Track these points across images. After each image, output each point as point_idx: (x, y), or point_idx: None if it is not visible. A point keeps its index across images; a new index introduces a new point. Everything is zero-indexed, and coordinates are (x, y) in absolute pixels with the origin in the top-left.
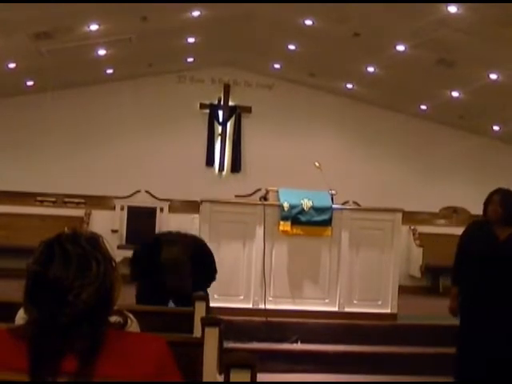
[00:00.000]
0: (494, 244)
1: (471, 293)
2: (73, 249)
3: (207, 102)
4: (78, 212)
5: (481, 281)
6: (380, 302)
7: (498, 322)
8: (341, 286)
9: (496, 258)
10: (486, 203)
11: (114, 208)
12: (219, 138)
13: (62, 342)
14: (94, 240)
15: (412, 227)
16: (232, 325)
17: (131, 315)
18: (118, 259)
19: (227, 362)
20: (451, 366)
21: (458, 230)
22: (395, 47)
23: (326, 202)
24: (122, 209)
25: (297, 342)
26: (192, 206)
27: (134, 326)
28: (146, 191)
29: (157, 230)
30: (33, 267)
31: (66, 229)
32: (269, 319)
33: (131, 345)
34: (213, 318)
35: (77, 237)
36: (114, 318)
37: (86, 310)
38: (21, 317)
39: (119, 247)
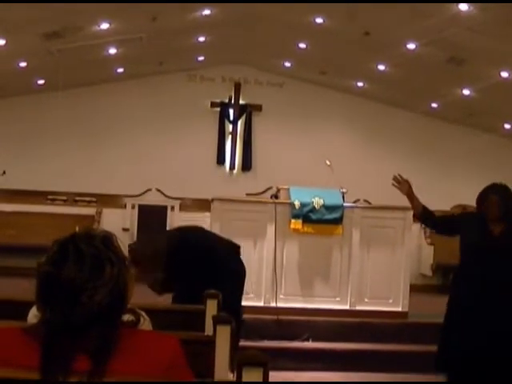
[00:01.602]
0: (488, 237)
1: (465, 285)
2: (87, 249)
3: (218, 100)
4: (89, 210)
5: (475, 273)
6: (391, 301)
7: (492, 313)
8: (352, 285)
9: (490, 252)
10: (482, 200)
11: (125, 206)
12: (230, 136)
13: (74, 343)
14: (108, 239)
15: (423, 225)
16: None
17: (144, 313)
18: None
19: (240, 360)
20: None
21: None
22: (406, 45)
23: (337, 201)
24: (133, 207)
25: (308, 340)
26: (203, 205)
27: (146, 324)
28: (157, 190)
29: (168, 229)
30: (45, 267)
31: (77, 228)
32: (280, 317)
33: (144, 343)
34: (224, 316)
35: (91, 236)
36: (126, 317)
37: (99, 311)
38: (34, 314)
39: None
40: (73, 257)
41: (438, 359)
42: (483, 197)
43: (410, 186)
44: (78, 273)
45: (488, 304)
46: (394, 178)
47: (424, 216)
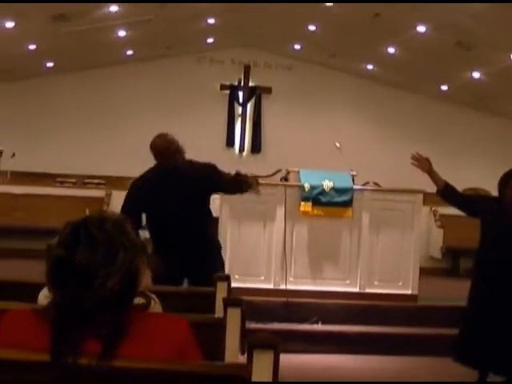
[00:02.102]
0: (509, 223)
1: (485, 271)
2: (99, 234)
3: (227, 82)
4: (99, 193)
5: (495, 260)
6: (401, 283)
7: (509, 302)
8: (361, 267)
9: (511, 237)
10: (503, 185)
11: None
12: (239, 118)
13: (85, 327)
14: (120, 224)
15: (433, 208)
16: (252, 305)
17: (154, 296)
18: None
19: (251, 342)
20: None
21: None
22: (416, 28)
23: (347, 183)
24: None
25: (317, 323)
26: None
27: (157, 307)
28: None
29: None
30: (57, 250)
31: (87, 210)
32: (289, 300)
33: (154, 326)
34: (235, 298)
35: (103, 220)
36: (137, 300)
37: (111, 296)
38: (45, 295)
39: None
40: (85, 241)
41: (457, 345)
42: (504, 182)
43: (430, 164)
44: (91, 258)
45: (508, 291)
46: (413, 157)
47: (447, 193)
